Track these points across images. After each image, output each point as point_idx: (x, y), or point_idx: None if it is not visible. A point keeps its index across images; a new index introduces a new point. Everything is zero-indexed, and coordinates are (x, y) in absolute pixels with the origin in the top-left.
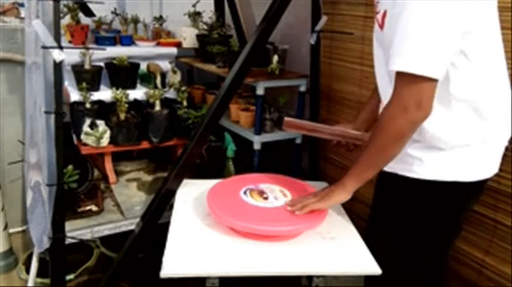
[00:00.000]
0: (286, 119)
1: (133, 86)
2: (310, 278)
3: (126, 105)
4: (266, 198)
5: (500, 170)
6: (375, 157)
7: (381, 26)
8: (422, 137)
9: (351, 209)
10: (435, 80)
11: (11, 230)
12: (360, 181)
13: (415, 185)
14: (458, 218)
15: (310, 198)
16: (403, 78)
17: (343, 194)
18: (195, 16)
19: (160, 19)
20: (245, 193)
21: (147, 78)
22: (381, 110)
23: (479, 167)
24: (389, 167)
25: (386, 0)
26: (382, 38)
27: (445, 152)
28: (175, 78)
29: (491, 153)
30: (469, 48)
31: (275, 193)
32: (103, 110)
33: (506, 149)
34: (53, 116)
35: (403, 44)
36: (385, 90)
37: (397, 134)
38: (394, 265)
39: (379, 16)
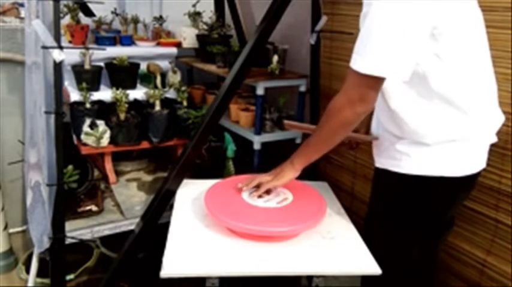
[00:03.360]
0: (286, 122)
1: (133, 86)
2: (310, 278)
3: (126, 105)
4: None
5: (501, 169)
6: (323, 141)
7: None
8: (406, 133)
9: (350, 208)
10: (380, 78)
11: (11, 230)
12: (307, 161)
13: (404, 181)
14: (447, 213)
15: (263, 177)
16: (351, 74)
17: (293, 171)
18: (195, 16)
19: (160, 19)
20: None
21: (147, 78)
22: (375, 108)
23: (465, 163)
24: (381, 164)
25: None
26: None
27: (431, 148)
28: (175, 78)
29: (477, 149)
30: (440, 50)
31: (275, 193)
32: (103, 110)
33: (505, 148)
34: (53, 116)
35: (357, 43)
36: None
37: (343, 123)
38: (388, 261)
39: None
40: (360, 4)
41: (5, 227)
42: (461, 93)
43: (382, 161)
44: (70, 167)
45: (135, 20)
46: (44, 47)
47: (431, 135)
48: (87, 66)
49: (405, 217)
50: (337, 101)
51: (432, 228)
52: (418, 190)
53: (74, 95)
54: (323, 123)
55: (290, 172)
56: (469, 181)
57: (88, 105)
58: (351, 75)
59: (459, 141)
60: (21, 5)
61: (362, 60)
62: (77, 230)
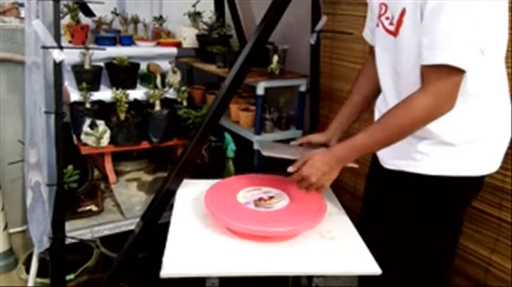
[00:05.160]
0: (265, 154)
1: (133, 86)
2: (310, 278)
3: (126, 105)
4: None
5: (505, 168)
6: (390, 137)
7: (393, 32)
8: (431, 134)
9: (352, 208)
10: (463, 72)
11: (11, 230)
12: (358, 155)
13: (423, 182)
14: (463, 212)
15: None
16: (440, 71)
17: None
18: (195, 16)
19: (160, 19)
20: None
21: (147, 78)
22: (382, 109)
23: (487, 161)
24: (394, 165)
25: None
26: (394, 43)
27: (455, 147)
28: (175, 78)
29: (498, 147)
30: (485, 45)
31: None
32: (103, 110)
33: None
34: (53, 116)
35: (434, 37)
36: (390, 91)
37: (423, 121)
38: (396, 263)
39: (387, 22)
40: (361, 4)
41: (5, 227)
42: (492, 91)
43: (396, 163)
44: (70, 167)
45: (135, 20)
46: (44, 47)
47: (458, 135)
48: (87, 66)
49: (424, 218)
50: (421, 99)
51: (449, 228)
52: (438, 190)
53: (74, 95)
54: (395, 119)
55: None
56: (483, 179)
57: (88, 105)
58: (433, 74)
59: (484, 140)
60: (21, 5)
61: (448, 54)
62: (77, 230)
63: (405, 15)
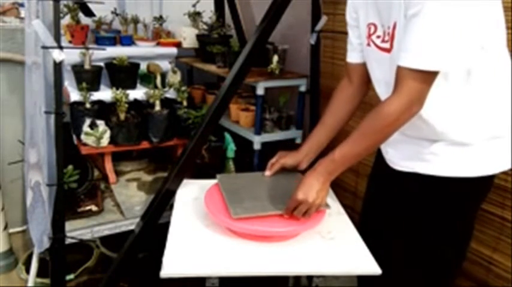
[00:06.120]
0: (235, 217)
1: (133, 86)
2: (310, 278)
3: (126, 105)
4: None
5: None
6: (366, 147)
7: (388, 49)
8: (447, 134)
9: (353, 208)
10: (436, 73)
11: (11, 230)
12: (344, 167)
13: (435, 183)
14: (474, 214)
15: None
16: (405, 74)
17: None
18: (195, 16)
19: (160, 19)
20: None
21: (147, 78)
22: None
23: (502, 158)
24: (405, 167)
25: (394, 2)
26: (388, 58)
27: (469, 147)
28: (175, 78)
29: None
30: (485, 41)
31: None
32: (103, 110)
33: None
34: (53, 116)
35: (408, 42)
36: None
37: (397, 124)
38: (397, 264)
39: (379, 40)
40: None
41: (5, 227)
42: (501, 86)
43: (407, 164)
44: (70, 167)
45: (135, 20)
46: (44, 47)
47: (473, 134)
48: (87, 66)
49: (430, 220)
50: (393, 106)
51: (456, 231)
52: (450, 191)
53: (74, 95)
54: (371, 130)
55: (327, 185)
56: (493, 178)
57: (88, 105)
58: (405, 75)
59: (499, 138)
60: (21, 5)
61: (419, 57)
62: (77, 230)
63: (396, 29)
